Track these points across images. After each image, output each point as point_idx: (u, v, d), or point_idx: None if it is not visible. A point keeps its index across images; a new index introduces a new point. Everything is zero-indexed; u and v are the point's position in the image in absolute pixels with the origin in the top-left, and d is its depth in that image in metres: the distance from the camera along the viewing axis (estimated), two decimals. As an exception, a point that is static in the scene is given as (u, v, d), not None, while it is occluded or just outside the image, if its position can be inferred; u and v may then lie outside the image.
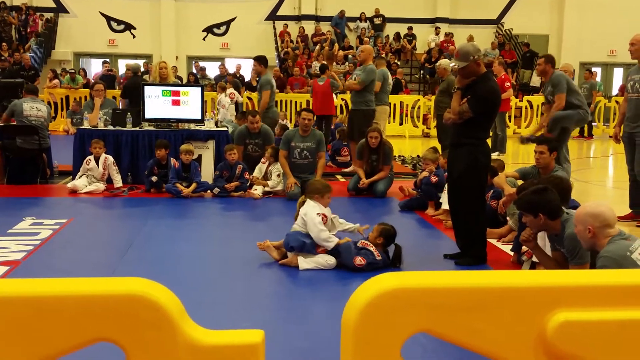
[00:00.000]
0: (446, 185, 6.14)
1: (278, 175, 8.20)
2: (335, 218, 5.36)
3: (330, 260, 4.96)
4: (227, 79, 16.10)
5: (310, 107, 11.01)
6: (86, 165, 8.16)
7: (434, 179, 7.11)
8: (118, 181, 8.21)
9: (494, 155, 9.71)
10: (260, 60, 10.19)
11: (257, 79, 11.28)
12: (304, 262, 4.95)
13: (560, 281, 1.59)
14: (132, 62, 19.77)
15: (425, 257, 5.41)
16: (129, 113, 8.85)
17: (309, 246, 4.98)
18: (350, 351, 1.49)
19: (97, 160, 8.14)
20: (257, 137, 8.80)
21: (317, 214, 5.08)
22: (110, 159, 8.22)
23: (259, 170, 8.36)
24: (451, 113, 5.11)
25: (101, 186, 8.08)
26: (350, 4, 21.97)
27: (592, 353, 1.53)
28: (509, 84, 13.34)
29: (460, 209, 5.24)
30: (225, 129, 9.15)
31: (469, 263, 5.13)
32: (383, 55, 18.08)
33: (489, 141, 5.37)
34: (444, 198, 6.72)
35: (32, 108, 8.74)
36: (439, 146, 10.03)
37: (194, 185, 7.87)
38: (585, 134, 17.48)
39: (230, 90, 14.23)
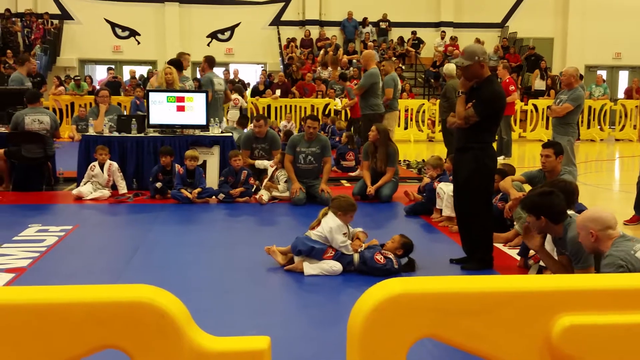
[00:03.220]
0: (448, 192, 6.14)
1: (285, 181, 8.20)
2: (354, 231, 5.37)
3: (336, 266, 4.96)
4: (227, 87, 16.12)
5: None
6: (90, 171, 8.15)
7: (437, 184, 7.11)
8: (123, 187, 8.21)
9: (500, 159, 9.69)
10: (172, 63, 10.14)
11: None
12: (310, 268, 4.95)
13: (566, 285, 1.58)
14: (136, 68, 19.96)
15: (431, 262, 5.40)
16: (133, 119, 8.87)
17: (317, 252, 4.98)
18: (356, 357, 1.49)
19: (101, 166, 8.15)
20: (263, 142, 8.81)
21: (344, 234, 5.11)
22: (115, 165, 8.22)
23: (263, 165, 8.45)
24: (456, 117, 5.10)
25: (106, 192, 8.07)
26: (354, 9, 22.00)
27: (598, 357, 1.53)
28: (513, 87, 13.30)
29: (466, 213, 5.22)
30: (230, 134, 9.16)
31: (475, 268, 5.11)
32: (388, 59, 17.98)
33: (494, 145, 5.35)
34: (443, 204, 6.77)
35: (34, 122, 8.65)
36: (444, 150, 10.04)
37: (198, 189, 7.87)
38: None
39: (235, 95, 14.25)
